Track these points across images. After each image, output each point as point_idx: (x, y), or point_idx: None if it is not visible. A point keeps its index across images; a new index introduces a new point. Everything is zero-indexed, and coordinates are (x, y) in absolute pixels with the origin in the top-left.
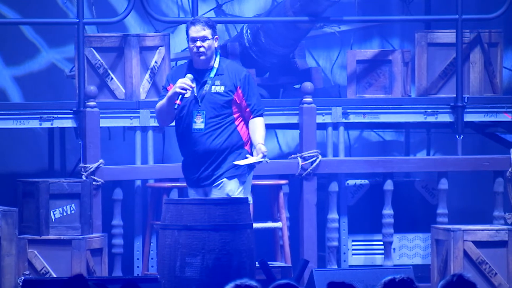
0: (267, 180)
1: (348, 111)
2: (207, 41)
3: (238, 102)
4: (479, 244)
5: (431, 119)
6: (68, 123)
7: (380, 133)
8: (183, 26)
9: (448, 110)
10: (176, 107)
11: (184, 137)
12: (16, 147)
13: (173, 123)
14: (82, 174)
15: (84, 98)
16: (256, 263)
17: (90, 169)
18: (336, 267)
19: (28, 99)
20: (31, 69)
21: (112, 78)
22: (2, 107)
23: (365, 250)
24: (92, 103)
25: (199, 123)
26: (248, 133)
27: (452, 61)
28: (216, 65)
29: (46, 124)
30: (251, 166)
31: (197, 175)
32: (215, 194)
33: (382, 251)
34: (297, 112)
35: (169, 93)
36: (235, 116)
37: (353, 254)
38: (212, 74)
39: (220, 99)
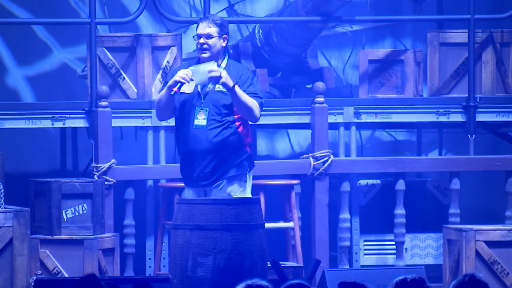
0: (279, 180)
1: (360, 111)
2: (212, 39)
3: None
4: (491, 244)
5: (443, 119)
6: (80, 123)
7: (392, 133)
8: (195, 26)
9: (460, 110)
10: (172, 93)
11: (184, 133)
12: (28, 147)
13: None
14: (94, 174)
15: (96, 98)
16: (268, 263)
17: (102, 169)
18: (347, 267)
19: (40, 99)
20: (43, 69)
21: (124, 78)
22: (14, 107)
23: (377, 250)
24: (104, 103)
25: (201, 119)
26: (249, 135)
27: (464, 61)
28: (223, 65)
29: (58, 124)
30: (250, 167)
31: (196, 174)
32: (216, 195)
33: (394, 251)
34: (309, 112)
35: (169, 83)
36: (236, 117)
37: (364, 254)
38: None
39: (222, 97)
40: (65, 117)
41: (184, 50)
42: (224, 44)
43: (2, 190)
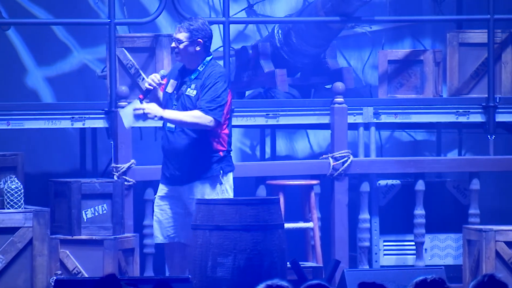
0: (298, 180)
1: (380, 111)
2: (181, 44)
3: None
4: (511, 244)
5: (462, 119)
6: (100, 123)
7: (411, 133)
8: (215, 26)
9: (480, 110)
10: (140, 101)
11: (163, 134)
12: (48, 147)
13: None
14: (114, 174)
15: (115, 98)
16: (288, 263)
17: (122, 169)
18: (367, 267)
19: (60, 100)
20: (63, 69)
21: (143, 78)
22: (34, 107)
23: (397, 251)
24: (123, 103)
25: None
26: (222, 139)
27: (483, 61)
28: (200, 68)
29: (78, 124)
30: (225, 170)
31: (168, 174)
32: (188, 195)
33: (414, 252)
34: (329, 112)
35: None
36: None
37: (384, 255)
38: (193, 76)
39: (189, 102)
40: (84, 117)
41: None
42: (198, 49)
43: (22, 190)
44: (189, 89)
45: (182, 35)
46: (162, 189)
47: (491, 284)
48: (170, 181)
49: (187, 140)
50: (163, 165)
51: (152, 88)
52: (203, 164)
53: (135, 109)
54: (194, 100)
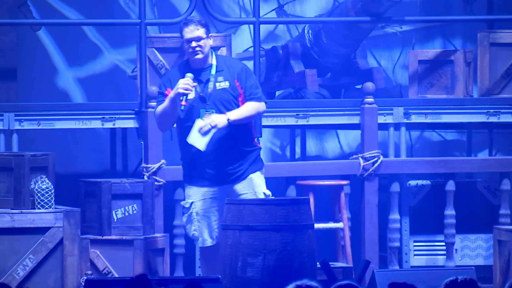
0: (328, 181)
1: (410, 111)
2: (202, 41)
3: (241, 97)
4: None
5: (493, 119)
6: (130, 124)
7: (442, 133)
8: (245, 27)
9: (511, 110)
10: (182, 108)
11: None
12: (79, 148)
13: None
14: (144, 175)
15: (146, 98)
16: (318, 263)
17: (152, 169)
18: (397, 267)
19: (90, 100)
20: (94, 70)
21: None
22: (65, 107)
23: (427, 251)
24: (154, 104)
25: None
26: (254, 123)
27: None
28: (214, 62)
29: (108, 125)
30: (259, 160)
31: (216, 173)
32: (242, 190)
33: (444, 252)
34: (359, 112)
35: (171, 95)
36: None
37: (414, 255)
38: (213, 71)
39: (228, 95)
40: (115, 117)
41: (234, 50)
42: (211, 42)
43: (53, 191)
44: (218, 83)
45: (201, 32)
46: (205, 192)
47: None
48: (215, 182)
49: (230, 138)
50: (200, 168)
51: (188, 92)
52: (253, 156)
53: (200, 129)
54: (231, 91)
